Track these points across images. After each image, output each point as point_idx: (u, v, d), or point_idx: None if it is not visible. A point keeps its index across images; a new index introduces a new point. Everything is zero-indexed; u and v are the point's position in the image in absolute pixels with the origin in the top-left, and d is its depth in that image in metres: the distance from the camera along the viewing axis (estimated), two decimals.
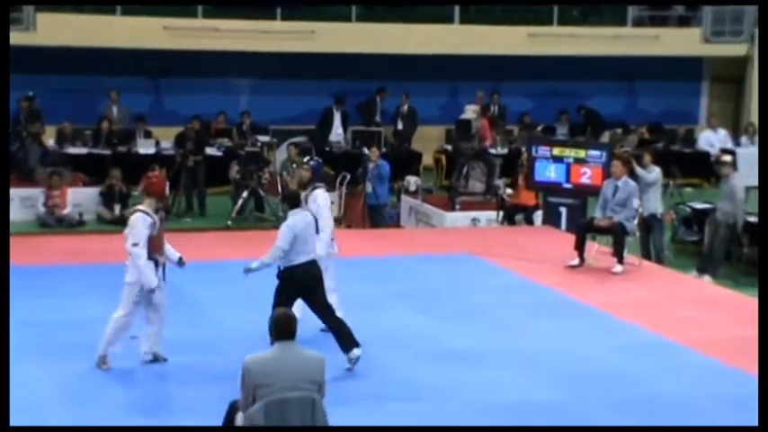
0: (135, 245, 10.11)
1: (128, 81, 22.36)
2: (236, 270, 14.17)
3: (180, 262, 10.64)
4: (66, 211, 18.53)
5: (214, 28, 21.66)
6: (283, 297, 10.24)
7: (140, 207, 10.31)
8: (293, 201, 10.63)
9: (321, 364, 7.17)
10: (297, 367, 7.05)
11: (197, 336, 11.45)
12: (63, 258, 14.57)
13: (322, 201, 11.12)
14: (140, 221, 10.13)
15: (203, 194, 19.57)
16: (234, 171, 19.19)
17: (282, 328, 7.12)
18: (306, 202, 11.02)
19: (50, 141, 20.58)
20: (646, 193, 15.94)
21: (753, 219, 15.92)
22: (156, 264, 10.32)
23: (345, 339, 10.31)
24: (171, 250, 10.62)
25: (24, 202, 18.85)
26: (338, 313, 10.68)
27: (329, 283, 10.94)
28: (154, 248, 10.24)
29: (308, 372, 7.07)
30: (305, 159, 12.05)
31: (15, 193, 18.86)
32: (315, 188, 11.19)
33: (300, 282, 10.34)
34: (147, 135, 21.31)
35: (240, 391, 7.14)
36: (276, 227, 17.90)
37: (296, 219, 10.38)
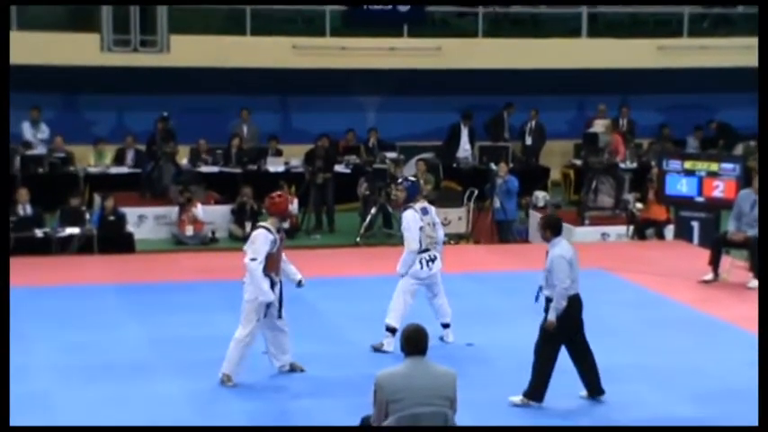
0: (253, 260, 10.26)
1: (258, 100, 22.76)
2: (366, 286, 14.40)
3: (299, 284, 10.75)
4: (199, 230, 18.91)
5: (341, 46, 21.90)
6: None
7: (264, 224, 10.52)
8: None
9: (453, 379, 7.18)
10: (428, 383, 7.07)
11: (327, 351, 11.57)
12: (196, 275, 14.89)
13: (405, 222, 11.33)
14: (261, 237, 10.27)
15: (332, 211, 19.79)
16: (362, 188, 19.36)
17: (415, 344, 7.15)
18: None
19: (184, 160, 21.04)
20: None
21: None
22: (272, 283, 10.40)
23: None
24: (292, 269, 10.75)
25: (159, 220, 19.33)
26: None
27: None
28: (271, 266, 10.36)
29: (440, 387, 7.09)
30: (398, 181, 12.20)
31: (150, 211, 19.38)
32: (406, 208, 11.36)
33: None
34: (277, 153, 21.64)
35: (373, 406, 7.19)
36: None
37: None
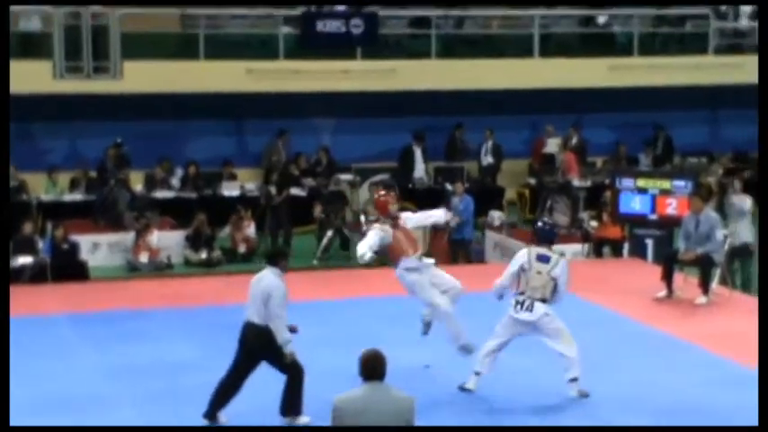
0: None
1: (212, 124, 22.72)
2: (323, 309, 14.38)
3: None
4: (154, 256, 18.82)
5: (295, 69, 21.92)
6: None
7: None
8: None
9: (411, 404, 7.17)
10: (387, 408, 7.06)
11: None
12: (152, 302, 14.81)
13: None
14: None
15: (289, 234, 19.76)
16: (318, 210, 19.36)
17: (372, 369, 7.15)
18: None
19: (138, 186, 20.95)
20: (737, 222, 15.80)
21: None
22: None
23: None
24: None
25: (113, 247, 19.22)
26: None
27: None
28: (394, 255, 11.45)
29: (399, 412, 7.08)
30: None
31: (104, 238, 19.26)
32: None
33: None
34: (232, 177, 21.60)
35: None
36: (362, 265, 18.15)
37: None
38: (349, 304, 14.61)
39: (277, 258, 10.33)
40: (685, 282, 14.96)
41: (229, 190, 21.08)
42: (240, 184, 21.39)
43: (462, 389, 10.90)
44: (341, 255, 19.23)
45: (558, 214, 20.51)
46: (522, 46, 23.67)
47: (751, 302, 15.03)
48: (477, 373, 10.90)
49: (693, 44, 24.70)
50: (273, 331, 10.04)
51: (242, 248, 19.19)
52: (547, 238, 10.95)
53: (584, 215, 19.60)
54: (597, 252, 18.08)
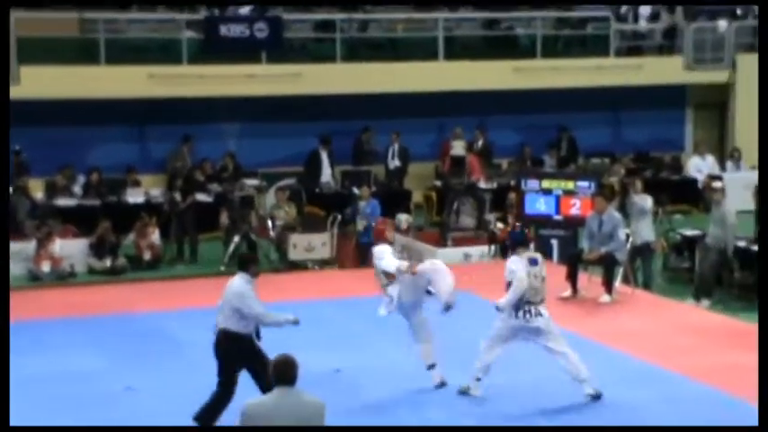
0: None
1: (114, 130, 22.42)
2: None
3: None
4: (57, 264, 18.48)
5: (199, 74, 21.72)
6: None
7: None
8: None
9: (321, 408, 7.13)
10: (295, 413, 7.01)
11: (190, 383, 11.40)
12: (55, 312, 14.55)
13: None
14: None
15: (195, 241, 19.56)
16: (224, 217, 19.20)
17: (283, 374, 7.09)
18: None
19: (39, 194, 20.56)
20: (639, 221, 16.05)
21: (742, 243, 15.98)
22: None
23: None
24: None
25: (14, 256, 18.76)
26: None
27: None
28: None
29: (308, 418, 7.04)
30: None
31: None
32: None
33: None
34: (136, 184, 21.32)
35: None
36: (270, 270, 18.08)
37: None
38: None
39: (247, 264, 10.42)
40: (589, 281, 15.16)
41: (133, 197, 20.79)
42: (144, 190, 21.11)
43: (463, 392, 10.96)
44: None
45: (465, 216, 20.65)
46: (427, 49, 23.78)
47: (652, 300, 15.31)
48: (479, 379, 11.01)
49: (595, 46, 25.05)
50: (273, 324, 10.17)
51: (147, 255, 18.95)
52: (521, 241, 11.08)
53: (490, 217, 19.75)
54: (503, 253, 18.19)
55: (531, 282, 10.64)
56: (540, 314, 10.65)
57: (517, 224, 12.38)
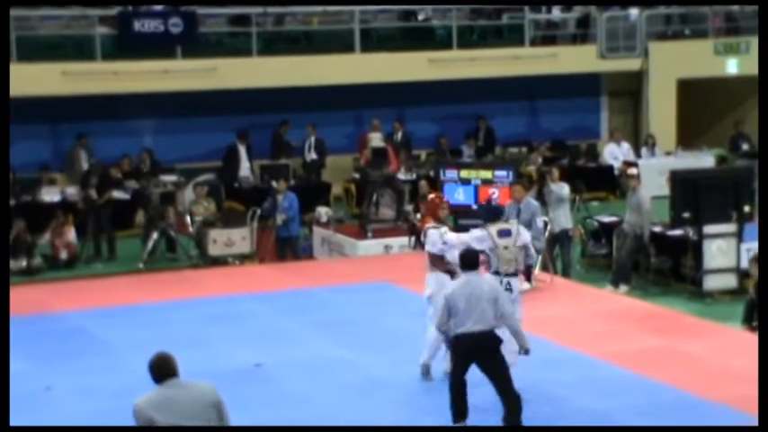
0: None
1: (27, 128, 22.07)
2: (150, 313, 14.16)
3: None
4: None
5: (114, 71, 21.46)
6: None
7: (431, 225, 11.26)
8: None
9: (212, 388, 7.15)
10: (190, 397, 7.04)
11: (112, 382, 11.29)
12: None
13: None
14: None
15: (112, 238, 19.34)
16: (139, 214, 19.01)
17: (161, 369, 7.10)
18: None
19: None
20: (557, 209, 16.23)
21: (658, 229, 16.23)
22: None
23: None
24: None
25: None
26: None
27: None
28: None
29: (204, 398, 7.07)
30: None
31: None
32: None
33: None
34: (51, 182, 21.02)
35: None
36: (190, 266, 17.97)
37: None
38: (176, 306, 14.41)
39: (477, 262, 9.84)
40: None
41: (49, 195, 20.50)
42: (60, 189, 20.82)
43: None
44: (167, 257, 18.93)
45: (384, 208, 20.65)
46: (343, 41, 23.77)
47: (571, 286, 15.50)
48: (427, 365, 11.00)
49: (510, 36, 25.25)
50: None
51: (64, 255, 18.70)
52: (495, 214, 11.02)
53: (409, 208, 19.80)
54: (422, 244, 18.25)
55: (502, 253, 10.65)
56: (511, 287, 10.60)
57: (492, 196, 12.27)
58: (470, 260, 9.75)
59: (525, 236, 10.96)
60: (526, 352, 9.82)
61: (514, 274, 10.76)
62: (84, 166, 21.33)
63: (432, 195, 12.43)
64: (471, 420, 9.65)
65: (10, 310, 14.18)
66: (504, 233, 10.75)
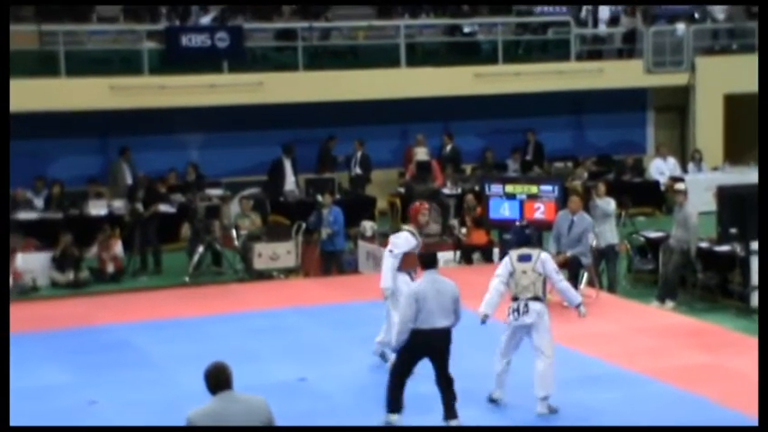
0: (390, 251, 11.86)
1: (76, 142, 22.29)
2: (196, 326, 14.22)
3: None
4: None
5: (160, 85, 21.63)
6: None
7: (409, 228, 12.15)
8: None
9: (265, 404, 7.14)
10: (243, 412, 7.01)
11: (158, 397, 11.34)
12: (19, 326, 14.37)
13: None
14: (404, 237, 11.96)
15: (158, 251, 19.45)
16: (185, 228, 19.10)
17: (216, 381, 7.08)
18: None
19: None
20: (602, 224, 16.12)
21: (705, 244, 16.09)
22: (411, 277, 11.81)
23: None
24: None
25: None
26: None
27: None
28: (407, 264, 11.93)
29: (256, 415, 7.04)
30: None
31: None
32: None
33: None
34: (98, 196, 21.21)
35: None
36: (236, 280, 18.03)
37: None
38: (221, 320, 14.46)
39: (434, 260, 10.64)
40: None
41: (96, 209, 20.66)
42: (107, 202, 20.98)
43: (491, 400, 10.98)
44: (212, 270, 19.01)
45: (430, 222, 20.61)
46: (389, 56, 23.81)
47: (617, 302, 15.38)
48: (495, 399, 10.98)
49: (556, 51, 25.18)
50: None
51: (110, 268, 18.82)
52: (521, 239, 11.05)
53: (454, 222, 19.77)
54: (467, 259, 18.24)
55: (520, 278, 10.64)
56: (528, 309, 10.58)
57: (522, 223, 12.35)
58: (430, 259, 10.50)
59: (549, 265, 10.77)
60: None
61: (535, 299, 10.65)
62: (128, 179, 21.52)
63: (416, 203, 13.15)
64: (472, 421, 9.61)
65: (56, 322, 14.36)
66: (525, 258, 10.74)
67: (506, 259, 10.86)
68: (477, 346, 12.27)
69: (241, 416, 6.98)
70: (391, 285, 11.84)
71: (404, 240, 11.97)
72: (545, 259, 10.76)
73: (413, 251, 11.96)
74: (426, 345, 10.08)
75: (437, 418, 10.23)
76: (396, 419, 10.20)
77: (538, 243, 11.43)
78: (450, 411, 10.17)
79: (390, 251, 11.94)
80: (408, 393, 10.29)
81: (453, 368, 11.80)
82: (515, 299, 10.65)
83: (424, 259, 10.61)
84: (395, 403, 10.18)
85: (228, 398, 7.04)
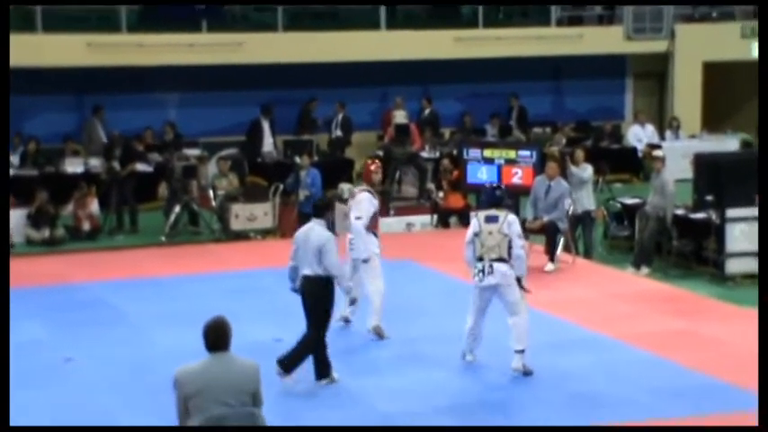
0: (358, 218, 11.66)
1: (52, 99, 22.12)
2: (171, 286, 14.21)
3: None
4: None
5: (138, 43, 21.48)
6: None
7: (366, 187, 11.88)
8: None
9: (254, 372, 7.10)
10: (227, 379, 6.98)
11: (133, 354, 11.35)
12: None
13: None
14: (367, 198, 11.73)
15: (135, 211, 19.37)
16: (162, 186, 19.03)
17: (214, 339, 7.06)
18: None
19: None
20: (579, 190, 16.14)
21: (681, 211, 16.15)
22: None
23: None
24: None
25: None
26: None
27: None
28: (374, 225, 11.84)
29: (240, 383, 7.01)
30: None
31: None
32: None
33: None
34: (75, 153, 21.08)
35: (175, 403, 7.06)
36: (212, 240, 18.01)
37: None
38: (197, 279, 14.46)
39: (323, 210, 10.66)
40: (531, 249, 15.22)
41: (72, 166, 20.55)
42: (83, 160, 20.87)
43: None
44: (189, 230, 18.96)
45: (407, 185, 20.67)
46: (369, 18, 23.70)
47: (593, 268, 15.46)
48: (468, 356, 11.00)
49: (536, 16, 25.13)
50: (337, 279, 10.32)
51: (86, 226, 18.75)
52: (491, 200, 10.96)
53: (432, 186, 19.79)
54: (444, 222, 18.27)
55: (486, 238, 10.60)
56: (492, 270, 10.54)
57: (494, 184, 12.25)
58: (321, 207, 10.78)
59: (514, 227, 10.68)
60: None
61: (499, 260, 10.60)
62: (102, 137, 21.42)
63: (368, 162, 12.97)
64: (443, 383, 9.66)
65: (32, 280, 14.32)
66: (492, 219, 10.70)
67: (474, 220, 10.85)
68: (448, 308, 12.36)
69: (225, 381, 6.95)
70: (369, 254, 11.75)
71: (368, 203, 11.82)
72: (512, 221, 10.71)
73: (376, 211, 11.93)
74: (302, 293, 10.41)
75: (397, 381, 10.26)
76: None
77: (510, 207, 11.42)
78: (289, 366, 10.28)
79: (358, 218, 11.76)
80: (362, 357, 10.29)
81: (425, 330, 11.95)
82: (480, 259, 10.61)
83: (316, 206, 10.90)
84: (328, 367, 10.42)
85: (220, 360, 7.00)
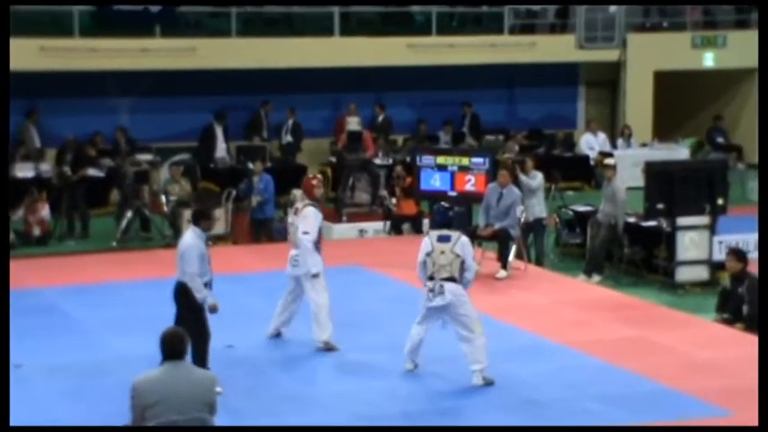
0: (306, 233, 11.43)
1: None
2: (123, 291, 14.12)
3: None
4: None
5: (91, 48, 21.35)
6: None
7: (312, 202, 11.61)
8: None
9: (211, 383, 7.14)
10: (185, 388, 6.99)
11: (84, 359, 11.27)
12: None
13: None
14: (313, 213, 11.50)
15: (86, 216, 19.24)
16: (114, 192, 18.92)
17: (170, 348, 7.06)
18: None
19: None
20: (530, 198, 16.24)
21: (632, 219, 16.30)
22: None
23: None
24: None
25: None
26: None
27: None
28: (320, 241, 11.64)
29: (199, 394, 7.02)
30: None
31: None
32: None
33: None
34: (26, 158, 20.90)
35: (130, 412, 7.05)
36: (163, 246, 17.92)
37: None
38: (148, 285, 14.37)
39: (199, 218, 10.60)
40: (483, 257, 15.31)
41: (23, 171, 20.37)
42: (34, 165, 20.69)
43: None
44: (140, 236, 18.86)
45: (360, 192, 20.67)
46: (323, 25, 23.71)
47: (545, 275, 15.55)
48: (409, 369, 10.97)
49: (489, 24, 25.26)
50: (194, 291, 10.26)
51: (36, 231, 18.60)
52: (443, 221, 11.04)
53: (384, 193, 19.82)
54: (397, 229, 18.31)
55: (438, 257, 10.60)
56: (443, 291, 10.55)
57: (444, 204, 12.28)
58: (196, 215, 10.75)
59: (467, 249, 10.70)
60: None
61: (450, 279, 10.60)
62: (36, 142, 21.26)
63: (308, 176, 12.92)
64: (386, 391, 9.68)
65: None
66: (444, 239, 10.71)
67: (426, 239, 10.85)
68: (399, 315, 12.37)
69: (184, 389, 6.96)
70: (318, 269, 11.60)
71: (314, 219, 11.58)
72: (465, 242, 10.74)
73: (322, 226, 11.77)
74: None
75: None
76: None
77: (462, 225, 11.49)
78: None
79: (306, 233, 11.49)
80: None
81: (374, 338, 11.96)
82: (431, 278, 10.62)
83: (194, 215, 10.90)
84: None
85: (177, 368, 7.02)
